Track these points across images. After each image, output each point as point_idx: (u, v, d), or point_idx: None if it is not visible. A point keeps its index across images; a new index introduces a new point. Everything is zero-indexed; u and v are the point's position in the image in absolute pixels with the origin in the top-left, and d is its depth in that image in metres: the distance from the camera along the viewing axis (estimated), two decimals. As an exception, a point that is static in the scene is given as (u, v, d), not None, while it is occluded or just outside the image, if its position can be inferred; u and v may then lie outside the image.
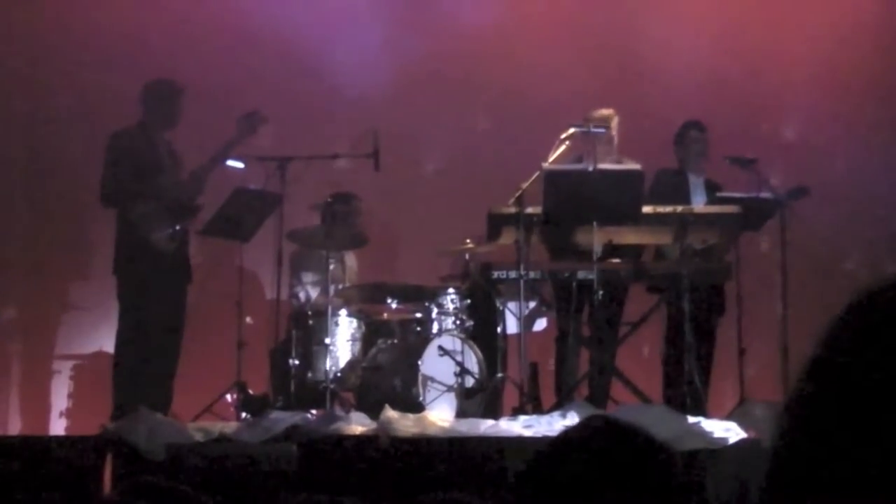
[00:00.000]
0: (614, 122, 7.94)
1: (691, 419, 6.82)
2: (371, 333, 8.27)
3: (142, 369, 7.93)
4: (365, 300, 8.61)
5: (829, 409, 1.38)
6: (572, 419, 6.74)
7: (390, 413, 6.92)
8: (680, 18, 10.38)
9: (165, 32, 9.86)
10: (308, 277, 8.84)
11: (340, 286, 8.65)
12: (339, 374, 8.05)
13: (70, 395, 9.67)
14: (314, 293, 8.71)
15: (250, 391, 8.05)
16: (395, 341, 8.16)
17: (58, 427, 9.52)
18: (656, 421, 6.30)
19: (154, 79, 8.36)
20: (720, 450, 6.42)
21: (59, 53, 9.90)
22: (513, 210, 7.48)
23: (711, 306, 8.14)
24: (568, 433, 2.29)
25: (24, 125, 10.04)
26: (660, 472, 2.13)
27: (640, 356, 8.19)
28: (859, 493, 1.33)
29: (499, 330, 8.03)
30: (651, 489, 2.11)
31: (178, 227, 8.11)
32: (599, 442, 2.16)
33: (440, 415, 7.30)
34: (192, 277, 8.31)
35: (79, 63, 9.85)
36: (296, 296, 8.75)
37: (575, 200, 7.35)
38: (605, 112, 7.88)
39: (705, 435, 6.56)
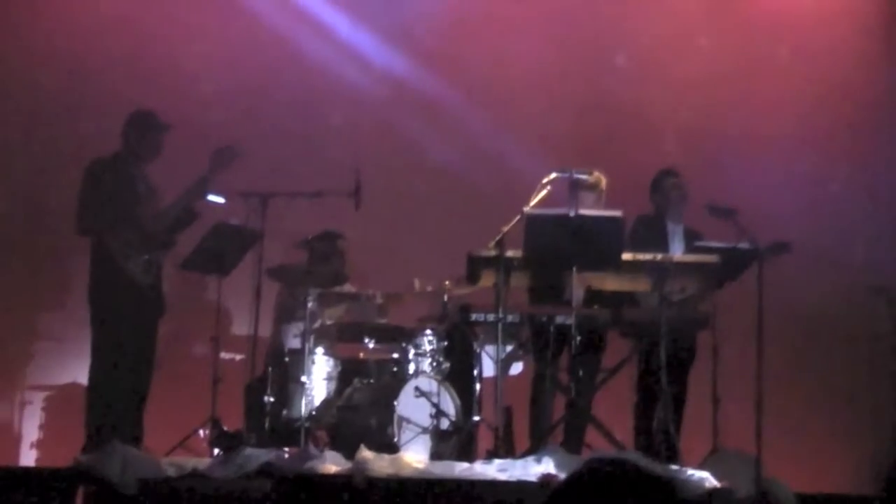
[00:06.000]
0: (603, 185, 8.01)
1: (666, 467, 6.82)
2: (347, 372, 8.26)
3: (115, 401, 7.87)
4: (342, 339, 8.60)
5: None
6: (547, 464, 6.75)
7: (366, 453, 6.90)
8: (662, 65, 10.51)
9: (153, 67, 9.91)
10: (294, 329, 8.80)
11: (318, 324, 8.64)
12: (314, 413, 8.03)
13: (41, 427, 9.61)
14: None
15: (224, 427, 8.03)
16: (372, 381, 8.16)
17: (28, 458, 9.46)
18: (632, 468, 6.31)
19: (138, 110, 8.32)
20: (695, 498, 6.42)
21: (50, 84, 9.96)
22: (493, 253, 7.49)
23: (684, 355, 8.17)
24: (581, 472, 2.31)
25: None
26: None
27: (611, 402, 8.20)
28: None
29: (475, 372, 8.03)
30: None
31: (151, 259, 8.07)
32: (614, 480, 2.18)
33: (415, 456, 7.28)
34: (164, 310, 8.26)
35: (68, 102, 9.91)
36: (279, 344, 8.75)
37: (555, 245, 7.36)
38: (592, 179, 7.93)
39: (680, 483, 6.56)
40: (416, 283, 8.58)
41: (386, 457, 6.98)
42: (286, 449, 7.47)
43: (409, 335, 8.20)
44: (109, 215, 7.99)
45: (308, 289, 8.22)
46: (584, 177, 7.77)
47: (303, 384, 7.96)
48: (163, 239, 8.16)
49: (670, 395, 7.69)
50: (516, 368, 8.70)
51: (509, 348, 8.28)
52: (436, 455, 7.61)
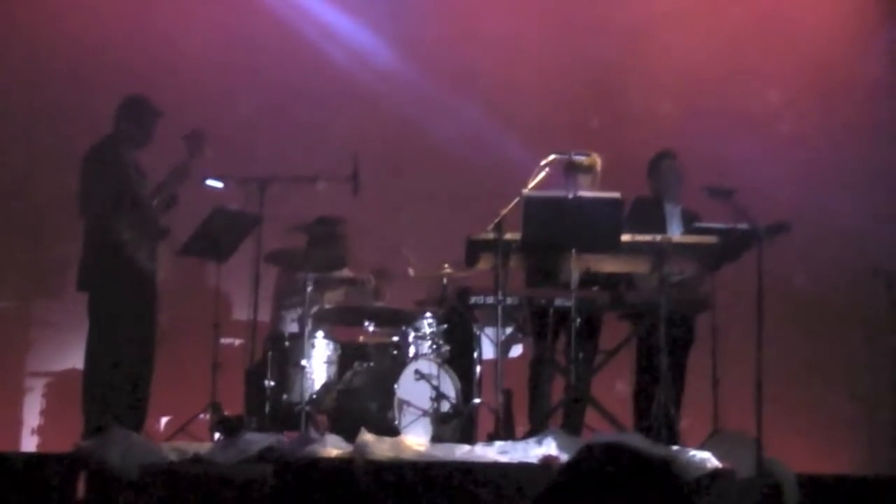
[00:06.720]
0: (598, 166, 8.00)
1: (667, 448, 6.83)
2: (347, 356, 8.27)
3: (114, 387, 7.87)
4: (342, 323, 8.60)
5: None
6: (548, 446, 6.75)
7: (366, 436, 6.91)
8: (660, 48, 10.51)
9: (150, 54, 9.90)
10: (294, 314, 8.81)
11: (317, 308, 8.64)
12: (314, 397, 8.04)
13: (42, 413, 9.62)
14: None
15: (225, 412, 8.03)
16: (371, 364, 8.16)
17: (29, 444, 9.47)
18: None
19: (133, 95, 8.29)
20: (696, 479, 6.43)
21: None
22: (491, 236, 7.49)
23: (683, 337, 8.17)
24: (578, 460, 2.32)
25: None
26: (669, 491, 2.16)
27: (611, 384, 8.21)
28: None
29: (475, 355, 8.04)
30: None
31: (154, 247, 8.09)
32: (612, 465, 2.19)
33: (416, 439, 7.29)
34: (157, 294, 8.25)
35: (54, 83, 9.90)
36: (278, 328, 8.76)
37: (554, 227, 7.36)
38: (588, 161, 7.92)
39: (683, 464, 6.57)
40: (410, 269, 8.59)
41: (386, 440, 6.98)
42: (286, 433, 7.48)
43: (408, 318, 8.21)
44: (115, 201, 7.98)
45: (307, 273, 8.22)
46: (582, 158, 7.78)
47: (303, 368, 7.97)
48: (161, 227, 8.16)
49: (670, 376, 7.69)
50: (515, 351, 8.72)
51: (509, 331, 8.29)
52: (436, 438, 7.62)
